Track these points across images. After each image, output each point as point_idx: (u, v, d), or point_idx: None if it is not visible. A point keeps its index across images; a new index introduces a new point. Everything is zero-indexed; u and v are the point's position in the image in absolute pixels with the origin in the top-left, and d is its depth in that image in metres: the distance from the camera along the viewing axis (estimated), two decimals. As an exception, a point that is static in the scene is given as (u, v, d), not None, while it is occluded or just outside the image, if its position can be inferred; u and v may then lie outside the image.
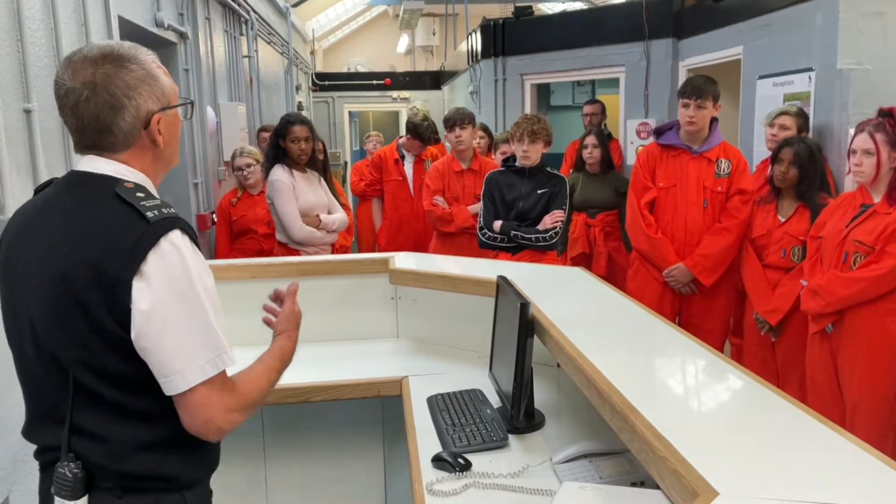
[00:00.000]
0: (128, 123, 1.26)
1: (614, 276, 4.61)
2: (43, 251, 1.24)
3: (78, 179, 1.29)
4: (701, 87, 3.35)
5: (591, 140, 4.80)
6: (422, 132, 4.83)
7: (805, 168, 3.14)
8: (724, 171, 3.40)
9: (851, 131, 3.23)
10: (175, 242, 1.21)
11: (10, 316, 1.32)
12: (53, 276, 1.22)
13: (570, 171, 5.10)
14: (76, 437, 1.25)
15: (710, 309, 3.49)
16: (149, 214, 1.21)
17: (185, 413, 1.24)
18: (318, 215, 3.74)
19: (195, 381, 1.21)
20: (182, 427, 1.25)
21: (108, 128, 1.26)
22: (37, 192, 1.38)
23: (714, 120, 3.43)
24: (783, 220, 3.22)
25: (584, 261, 4.67)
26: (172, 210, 1.25)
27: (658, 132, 3.59)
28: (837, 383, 2.78)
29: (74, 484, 1.23)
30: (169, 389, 1.22)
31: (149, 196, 1.25)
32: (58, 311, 1.22)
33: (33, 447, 1.34)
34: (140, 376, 1.23)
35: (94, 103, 1.24)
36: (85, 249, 1.20)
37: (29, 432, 1.35)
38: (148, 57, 1.30)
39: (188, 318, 1.21)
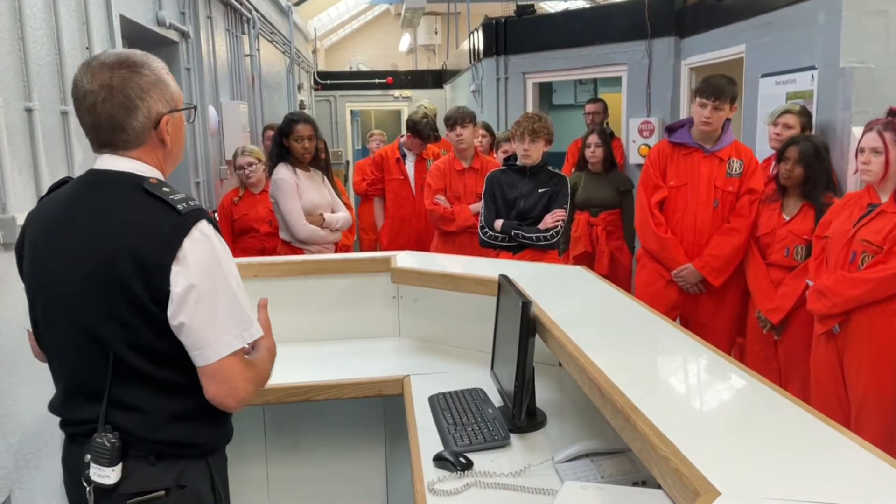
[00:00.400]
0: (140, 123, 1.39)
1: (616, 275, 4.61)
2: (81, 244, 1.37)
3: (102, 178, 1.42)
4: (722, 89, 3.29)
5: (593, 139, 4.80)
6: (421, 129, 4.83)
7: (811, 167, 3.13)
8: (735, 170, 3.37)
9: (854, 130, 3.22)
10: (204, 231, 1.36)
11: (42, 305, 1.44)
12: (96, 265, 1.35)
13: (573, 169, 5.09)
14: (113, 409, 1.39)
15: (718, 309, 3.47)
16: (179, 207, 1.36)
17: (213, 382, 1.39)
18: (321, 214, 3.74)
19: (224, 352, 1.37)
20: (195, 401, 1.41)
21: (122, 127, 1.39)
22: (51, 190, 1.51)
23: (726, 119, 3.41)
24: (787, 218, 3.21)
25: (587, 260, 4.67)
26: (196, 202, 1.40)
27: (669, 130, 3.56)
28: (843, 384, 2.77)
29: (112, 452, 1.37)
30: (200, 361, 1.37)
31: (172, 190, 1.39)
32: (101, 297, 1.35)
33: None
34: (174, 352, 1.38)
35: (110, 104, 1.37)
36: (126, 240, 1.34)
37: (61, 407, 1.47)
38: (158, 64, 1.44)
39: (219, 297, 1.37)
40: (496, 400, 2.03)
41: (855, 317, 2.70)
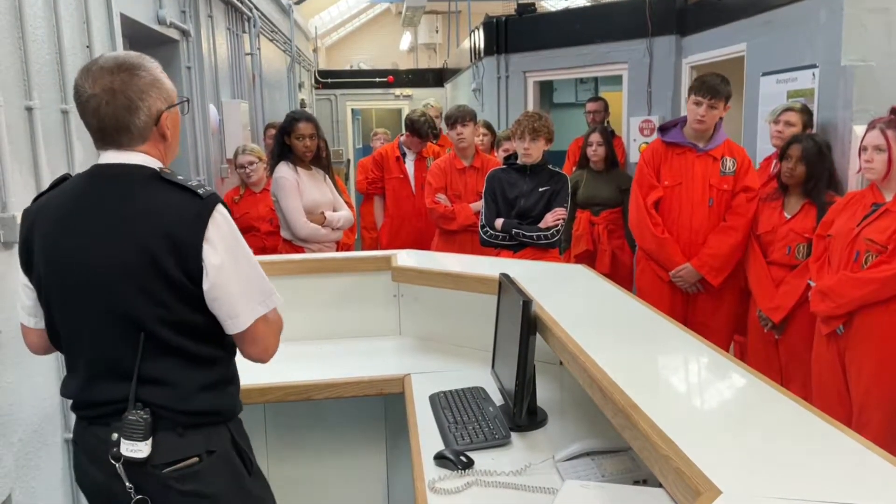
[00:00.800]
0: (142, 121, 1.49)
1: (617, 274, 4.61)
2: (110, 230, 1.46)
3: (114, 170, 1.50)
4: (716, 88, 3.30)
5: (595, 137, 4.79)
6: (419, 128, 4.82)
7: (813, 165, 3.13)
8: (729, 168, 3.38)
9: (855, 128, 3.21)
10: (222, 212, 1.50)
11: (62, 294, 1.50)
12: (130, 249, 1.44)
13: (573, 168, 5.09)
14: (143, 386, 1.48)
15: (717, 308, 3.47)
16: (199, 192, 1.48)
17: (249, 345, 1.55)
18: (322, 212, 3.74)
19: (255, 317, 1.52)
20: (227, 369, 1.58)
21: (127, 126, 1.48)
22: (53, 186, 1.57)
23: (719, 118, 3.41)
24: (789, 216, 3.21)
25: (588, 258, 4.67)
26: (210, 187, 1.54)
27: (662, 129, 3.57)
28: (845, 382, 2.76)
29: (145, 427, 1.46)
30: (236, 328, 1.52)
31: (185, 178, 1.51)
32: (138, 278, 1.45)
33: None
34: (205, 325, 1.51)
35: (113, 107, 1.46)
36: (158, 224, 1.45)
37: (83, 391, 1.53)
38: (153, 64, 1.53)
39: (244, 270, 1.51)
40: (497, 398, 2.02)
41: (858, 316, 2.69)
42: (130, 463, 1.47)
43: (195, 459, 1.52)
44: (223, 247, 1.48)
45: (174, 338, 1.48)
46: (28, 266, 1.55)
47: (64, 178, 1.58)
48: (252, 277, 1.54)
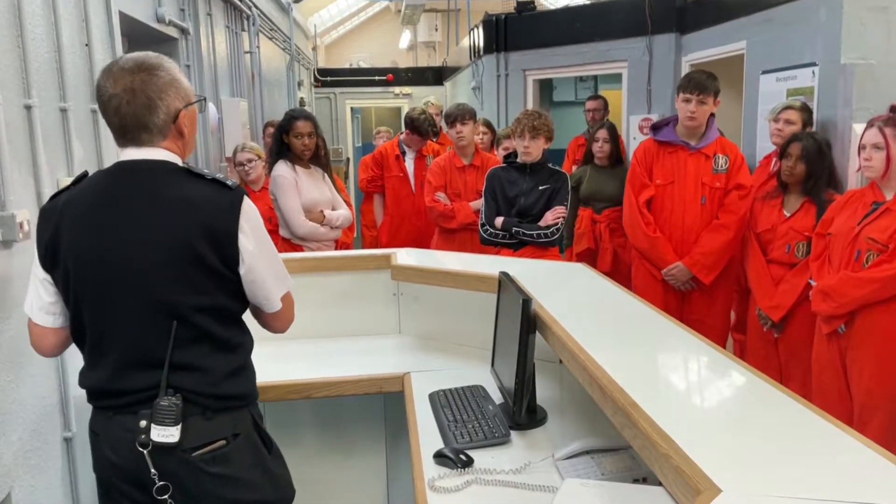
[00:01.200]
0: (161, 120, 1.55)
1: (619, 272, 4.59)
2: (140, 226, 1.52)
3: (139, 166, 1.57)
4: (703, 83, 3.33)
5: (602, 134, 4.78)
6: (419, 126, 4.81)
7: (813, 164, 3.13)
8: (721, 166, 3.39)
9: (855, 126, 3.21)
10: (248, 202, 1.60)
11: (93, 288, 1.54)
12: (170, 240, 1.52)
13: (573, 166, 5.08)
14: (174, 373, 1.54)
15: (710, 305, 3.48)
16: (228, 183, 1.58)
17: (278, 320, 1.71)
18: (321, 211, 3.74)
19: (282, 296, 1.67)
20: (247, 355, 1.67)
21: (146, 125, 1.55)
22: (74, 183, 1.61)
23: (711, 115, 3.42)
24: (788, 215, 3.21)
25: (590, 256, 4.65)
26: (232, 179, 1.63)
27: (655, 128, 3.58)
28: (845, 381, 2.76)
29: (177, 412, 1.52)
30: (270, 308, 1.67)
31: (210, 171, 1.61)
32: (179, 268, 1.52)
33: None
34: (233, 310, 1.62)
35: (134, 105, 1.53)
36: (193, 215, 1.53)
37: (111, 381, 1.57)
38: (171, 64, 1.60)
39: (269, 253, 1.64)
40: (497, 397, 2.02)
41: (859, 316, 2.69)
42: (158, 449, 1.52)
43: (222, 442, 1.59)
44: (253, 233, 1.58)
45: (207, 324, 1.56)
46: (53, 262, 1.57)
47: (84, 176, 1.63)
48: (275, 260, 1.67)
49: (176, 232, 1.52)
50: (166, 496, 1.55)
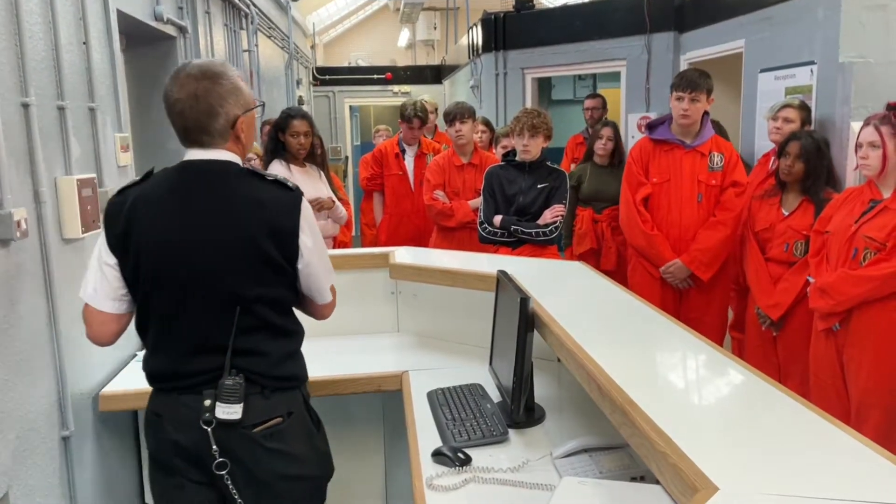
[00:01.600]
0: (220, 125, 1.67)
1: (624, 271, 4.59)
2: (209, 222, 1.65)
3: (206, 167, 1.69)
4: (695, 81, 3.34)
5: (606, 132, 4.76)
6: (403, 112, 4.82)
7: (811, 162, 3.13)
8: (717, 164, 3.40)
9: (853, 125, 3.21)
10: (305, 202, 1.73)
11: (167, 278, 1.66)
12: (234, 236, 1.64)
13: (571, 164, 5.07)
14: (237, 356, 1.67)
15: (708, 303, 3.49)
16: (288, 184, 1.71)
17: (325, 308, 1.88)
18: (329, 197, 3.76)
19: (329, 287, 1.83)
20: (300, 340, 1.81)
21: (207, 129, 1.67)
22: (143, 179, 1.73)
23: (705, 113, 3.43)
24: (787, 213, 3.21)
25: (593, 256, 4.63)
26: (290, 181, 1.74)
27: (650, 127, 3.59)
28: (842, 380, 2.76)
29: (240, 391, 1.65)
30: (323, 300, 1.83)
31: (270, 173, 1.75)
32: (243, 261, 1.65)
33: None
34: (289, 300, 1.76)
35: (196, 111, 1.65)
36: (260, 214, 1.65)
37: (181, 363, 1.69)
38: (234, 72, 1.71)
39: (323, 250, 1.79)
40: (495, 395, 2.03)
41: (856, 313, 2.69)
42: (221, 426, 1.65)
43: (279, 419, 1.71)
44: (311, 231, 1.72)
45: (266, 313, 1.69)
46: (123, 252, 1.68)
47: (151, 172, 1.76)
48: (326, 255, 1.80)
49: (243, 228, 1.64)
50: (224, 472, 1.67)
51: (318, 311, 1.89)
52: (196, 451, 1.68)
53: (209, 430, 1.64)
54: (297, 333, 1.81)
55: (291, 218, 1.68)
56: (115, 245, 1.68)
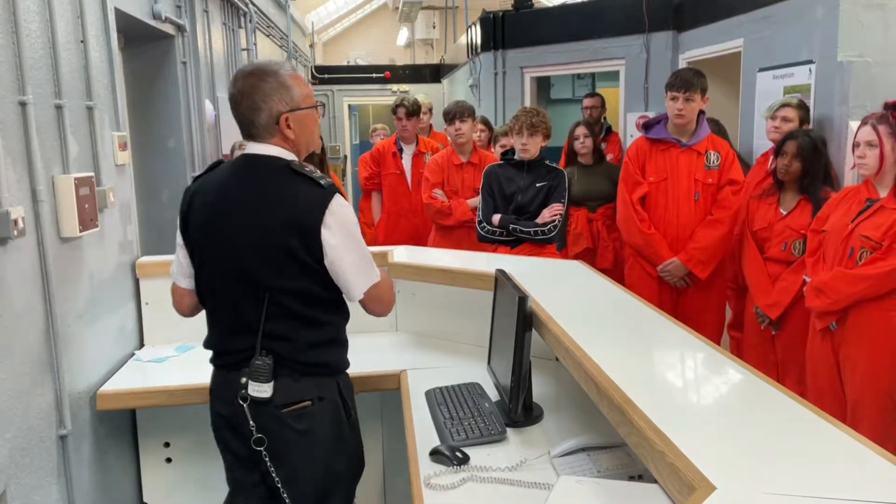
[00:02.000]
0: (264, 120, 1.78)
1: (620, 269, 4.59)
2: (245, 212, 1.76)
3: (256, 160, 1.82)
4: (689, 80, 3.35)
5: (581, 131, 4.74)
6: (394, 105, 4.83)
7: (809, 161, 3.13)
8: (713, 163, 3.41)
9: (852, 124, 3.21)
10: (339, 201, 1.77)
11: (214, 263, 1.82)
12: (262, 228, 1.74)
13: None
14: (267, 339, 1.77)
15: (705, 301, 3.49)
16: (322, 182, 1.76)
17: (372, 305, 1.88)
18: None
19: (365, 288, 1.83)
20: (336, 331, 1.87)
21: (253, 122, 1.79)
22: (211, 168, 1.91)
23: (701, 112, 3.43)
24: (785, 213, 3.21)
25: (589, 256, 4.63)
26: (328, 179, 1.79)
27: (646, 126, 3.59)
28: (839, 379, 2.77)
29: (269, 371, 1.76)
30: (351, 298, 1.85)
31: (312, 169, 1.79)
32: (267, 252, 1.74)
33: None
34: (318, 294, 1.80)
35: (244, 106, 1.78)
36: (286, 209, 1.73)
37: (221, 342, 1.87)
38: (285, 71, 1.80)
39: (355, 248, 1.79)
40: (493, 394, 2.02)
41: (852, 312, 2.69)
42: (255, 403, 1.76)
43: (308, 403, 1.80)
44: (339, 230, 1.75)
45: (290, 303, 1.77)
46: (185, 233, 1.86)
47: (219, 163, 1.92)
48: (360, 255, 1.81)
49: (269, 222, 1.73)
50: (262, 448, 1.78)
51: (369, 309, 1.92)
52: (238, 425, 1.81)
53: (245, 406, 1.76)
54: (331, 324, 1.86)
55: (315, 215, 1.73)
56: (181, 227, 1.87)
